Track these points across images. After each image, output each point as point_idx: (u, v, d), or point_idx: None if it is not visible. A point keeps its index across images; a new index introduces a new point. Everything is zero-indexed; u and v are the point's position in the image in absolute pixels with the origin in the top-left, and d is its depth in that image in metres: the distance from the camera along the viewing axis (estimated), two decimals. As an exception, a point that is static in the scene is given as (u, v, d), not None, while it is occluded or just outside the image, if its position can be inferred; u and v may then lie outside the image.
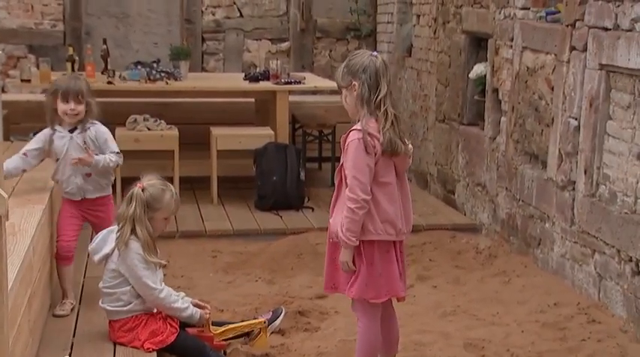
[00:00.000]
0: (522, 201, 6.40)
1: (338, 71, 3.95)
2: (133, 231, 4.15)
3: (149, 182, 4.22)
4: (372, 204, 3.80)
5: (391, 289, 3.95)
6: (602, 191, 5.32)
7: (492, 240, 6.83)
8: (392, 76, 4.08)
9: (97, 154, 4.83)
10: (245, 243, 6.74)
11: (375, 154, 3.79)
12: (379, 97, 3.80)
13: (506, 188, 6.67)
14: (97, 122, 4.91)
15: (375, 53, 3.91)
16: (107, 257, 4.25)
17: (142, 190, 4.17)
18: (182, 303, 4.26)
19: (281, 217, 7.30)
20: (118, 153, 4.91)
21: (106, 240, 4.29)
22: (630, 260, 4.94)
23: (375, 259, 3.88)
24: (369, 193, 3.78)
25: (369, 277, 3.88)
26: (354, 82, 3.83)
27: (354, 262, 3.88)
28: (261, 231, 6.95)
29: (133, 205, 4.15)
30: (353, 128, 3.85)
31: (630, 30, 4.88)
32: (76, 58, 8.05)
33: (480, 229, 7.17)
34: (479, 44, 7.41)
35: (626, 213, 5.01)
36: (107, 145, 4.90)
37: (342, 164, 3.88)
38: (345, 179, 3.84)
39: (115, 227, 4.28)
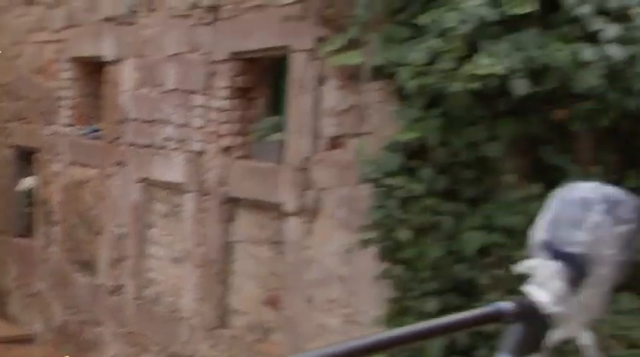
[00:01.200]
0: (76, 308, 6.64)
1: None
2: None
3: None
4: None
5: None
6: (149, 293, 5.79)
7: (47, 349, 6.94)
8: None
9: None
10: None
11: None
12: None
13: (60, 296, 6.86)
14: None
15: None
16: None
17: None
18: None
19: None
20: None
21: None
22: (172, 355, 5.43)
23: None
24: None
25: None
26: None
27: None
28: None
29: None
30: None
31: (163, 148, 5.48)
32: None
33: (36, 338, 7.23)
34: (28, 158, 7.58)
35: (169, 312, 5.51)
36: None
37: None
38: None
39: None
